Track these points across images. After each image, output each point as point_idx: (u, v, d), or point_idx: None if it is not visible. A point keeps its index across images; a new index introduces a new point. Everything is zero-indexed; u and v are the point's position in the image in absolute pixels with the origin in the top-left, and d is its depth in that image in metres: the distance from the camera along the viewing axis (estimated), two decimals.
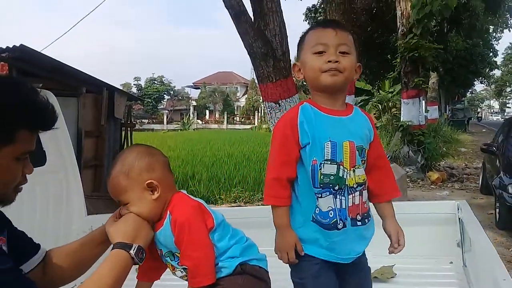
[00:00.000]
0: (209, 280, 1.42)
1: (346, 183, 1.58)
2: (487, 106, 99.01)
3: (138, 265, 1.43)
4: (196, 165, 12.16)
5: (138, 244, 1.37)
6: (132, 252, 1.34)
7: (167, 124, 49.99)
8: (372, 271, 2.43)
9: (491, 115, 76.20)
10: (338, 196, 1.57)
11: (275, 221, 1.61)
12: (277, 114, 4.32)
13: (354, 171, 1.59)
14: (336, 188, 1.57)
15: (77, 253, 1.53)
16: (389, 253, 1.70)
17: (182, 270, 1.50)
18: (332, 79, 1.58)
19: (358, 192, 1.60)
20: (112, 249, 1.37)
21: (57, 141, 3.05)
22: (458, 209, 2.62)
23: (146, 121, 52.55)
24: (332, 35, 1.61)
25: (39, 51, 5.77)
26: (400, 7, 10.89)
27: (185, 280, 1.51)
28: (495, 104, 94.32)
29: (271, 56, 4.21)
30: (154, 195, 1.43)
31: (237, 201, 8.55)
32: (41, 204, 2.76)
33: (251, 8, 4.30)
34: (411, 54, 10.35)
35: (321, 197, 1.57)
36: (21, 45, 5.24)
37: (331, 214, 1.57)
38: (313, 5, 15.78)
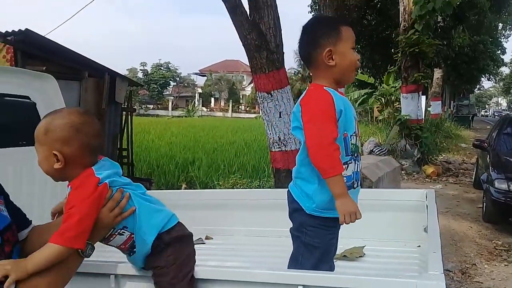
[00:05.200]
0: (70, 242, 1.38)
1: (359, 151, 1.91)
2: (494, 103, 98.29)
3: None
4: (197, 151, 12.32)
5: (88, 241, 1.42)
6: (80, 251, 1.40)
7: (172, 110, 50.15)
8: (342, 250, 2.66)
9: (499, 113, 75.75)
10: (356, 162, 1.88)
11: (341, 189, 1.73)
12: (269, 104, 4.50)
13: (359, 140, 1.94)
14: (356, 155, 1.88)
15: (50, 232, 1.51)
16: None
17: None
18: (353, 78, 1.98)
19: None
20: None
21: None
22: (426, 197, 2.80)
23: (151, 106, 52.73)
24: (354, 37, 1.91)
25: (43, 35, 5.96)
26: (403, 2, 10.96)
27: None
28: (503, 102, 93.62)
29: (264, 48, 4.37)
30: (55, 165, 1.44)
31: (234, 187, 8.72)
32: (39, 179, 2.96)
33: (247, 2, 4.46)
34: (412, 50, 10.45)
35: (351, 162, 1.84)
36: (26, 29, 5.44)
37: (352, 176, 1.85)
38: None
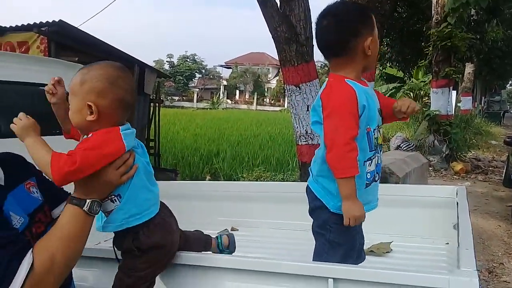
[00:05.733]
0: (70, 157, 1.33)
1: (379, 142, 1.84)
2: None
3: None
4: (221, 143, 12.41)
5: (92, 198, 1.38)
6: (85, 208, 1.37)
7: (197, 102, 50.53)
8: (369, 246, 2.64)
9: None
10: (378, 155, 1.83)
11: (350, 191, 1.69)
12: (297, 97, 4.48)
13: (381, 131, 1.87)
14: (378, 148, 1.82)
15: None
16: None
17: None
18: None
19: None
20: (67, 202, 1.40)
21: None
22: (456, 194, 2.75)
23: (176, 98, 53.24)
24: None
25: (77, 26, 6.09)
26: None
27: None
28: None
29: (294, 41, 4.34)
30: (88, 117, 1.38)
31: (258, 180, 8.74)
32: None
33: None
34: (444, 43, 10.21)
35: (374, 157, 1.79)
36: (60, 20, 5.57)
37: (375, 170, 1.82)
38: None
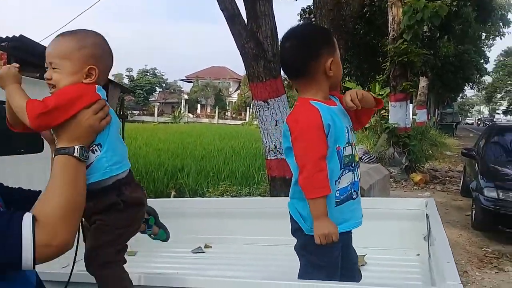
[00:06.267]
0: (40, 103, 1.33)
1: (356, 160, 1.85)
2: (477, 111, 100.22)
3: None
4: (185, 158, 12.24)
5: (79, 144, 1.36)
6: (76, 154, 1.34)
7: (157, 116, 49.90)
8: None
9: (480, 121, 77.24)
10: (354, 172, 1.83)
11: (319, 211, 1.71)
12: (265, 112, 4.53)
13: (355, 148, 1.87)
14: (352, 165, 1.82)
15: None
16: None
17: None
18: None
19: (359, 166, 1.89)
20: (54, 155, 1.35)
21: None
22: (426, 206, 2.85)
23: (136, 112, 52.39)
24: None
25: (38, 41, 5.88)
26: (392, 13, 11.15)
27: None
28: (485, 110, 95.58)
29: (262, 57, 4.40)
30: (86, 80, 1.41)
31: (224, 194, 8.69)
32: (38, 187, 2.93)
33: (244, 11, 4.50)
34: (401, 59, 10.61)
35: (342, 175, 1.78)
36: (20, 35, 5.38)
37: (349, 187, 1.81)
38: (308, 6, 16.04)
